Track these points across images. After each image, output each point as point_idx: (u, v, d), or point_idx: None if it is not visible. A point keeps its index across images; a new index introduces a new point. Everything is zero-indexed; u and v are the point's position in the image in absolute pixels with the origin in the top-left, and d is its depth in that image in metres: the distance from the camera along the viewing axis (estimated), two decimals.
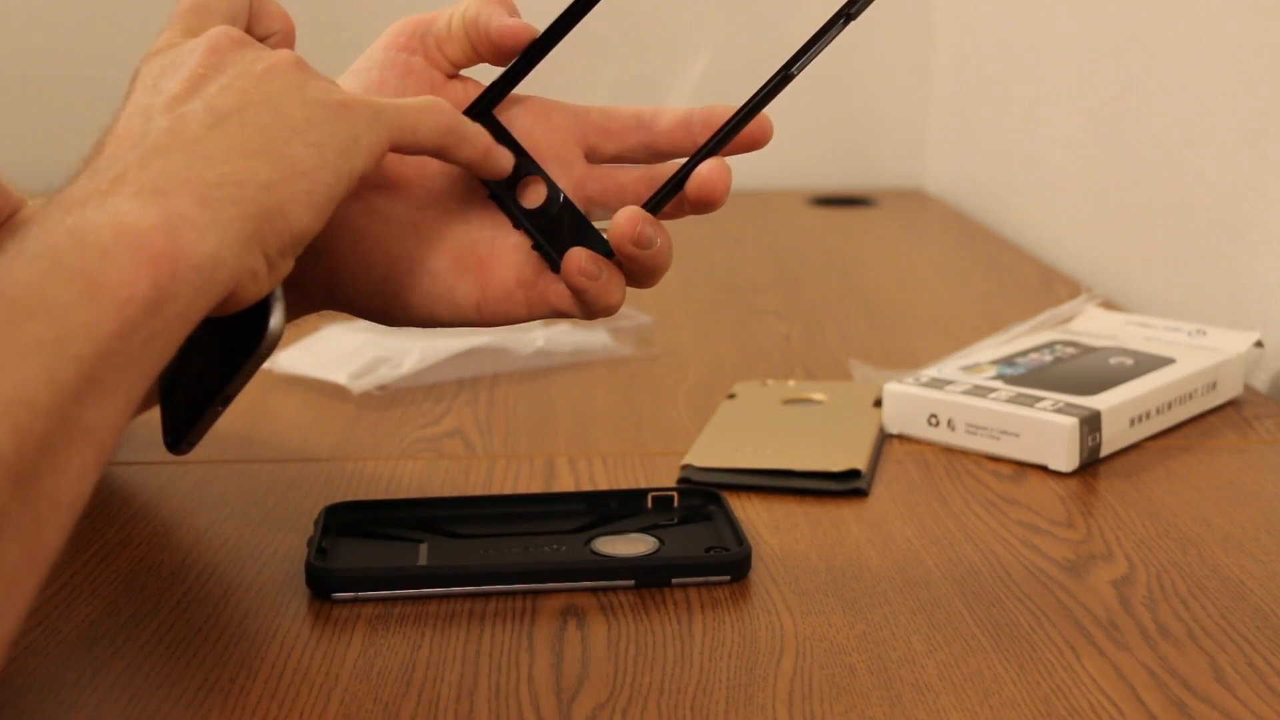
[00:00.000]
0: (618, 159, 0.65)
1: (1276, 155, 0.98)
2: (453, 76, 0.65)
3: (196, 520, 0.74)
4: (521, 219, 0.63)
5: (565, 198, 0.63)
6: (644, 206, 0.62)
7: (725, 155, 0.62)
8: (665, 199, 0.63)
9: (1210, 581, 0.65)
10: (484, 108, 0.64)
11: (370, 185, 0.62)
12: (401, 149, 0.58)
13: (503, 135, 0.63)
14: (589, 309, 0.63)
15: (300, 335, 1.01)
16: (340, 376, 0.94)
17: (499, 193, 0.63)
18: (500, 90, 0.64)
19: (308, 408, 0.91)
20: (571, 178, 0.64)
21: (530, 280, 0.63)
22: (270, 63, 0.56)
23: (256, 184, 0.52)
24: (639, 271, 0.63)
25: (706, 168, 0.62)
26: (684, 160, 0.63)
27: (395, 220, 0.63)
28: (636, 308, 1.10)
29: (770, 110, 0.63)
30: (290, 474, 0.80)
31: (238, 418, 0.90)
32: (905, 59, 1.83)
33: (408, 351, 0.97)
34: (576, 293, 0.62)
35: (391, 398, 0.93)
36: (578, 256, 0.61)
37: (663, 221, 0.63)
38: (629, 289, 0.64)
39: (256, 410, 0.90)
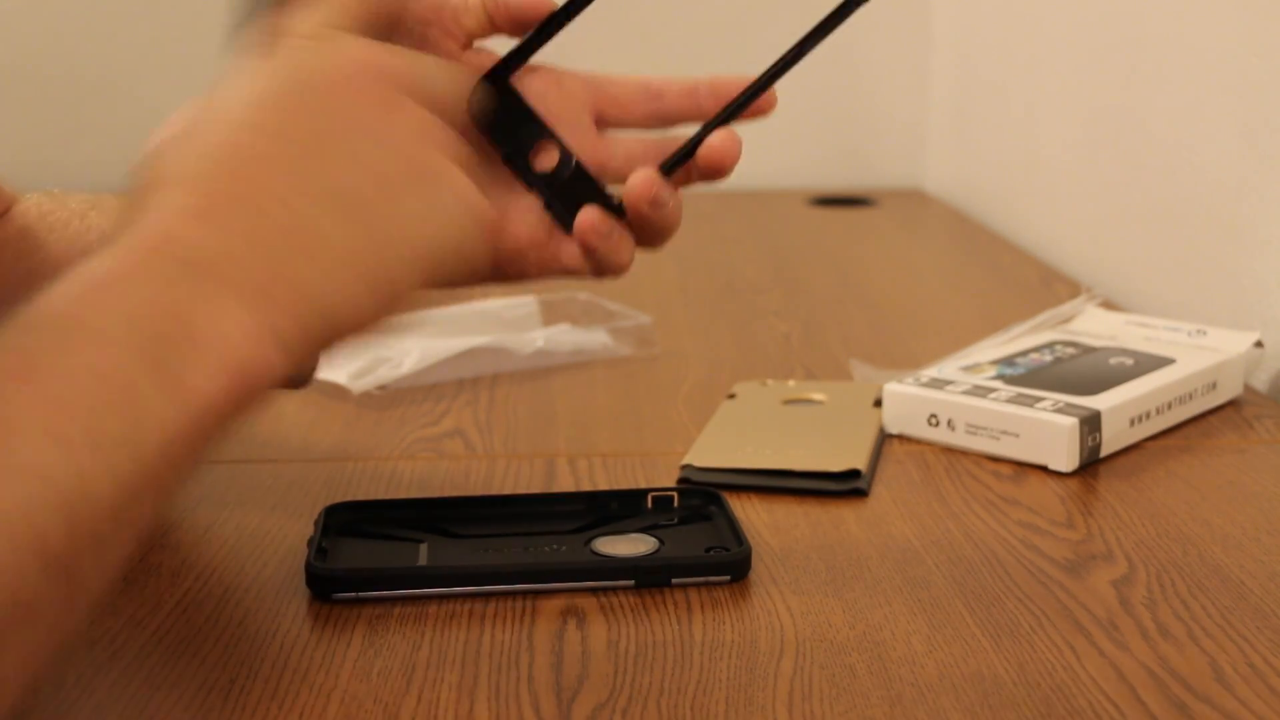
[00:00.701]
0: (626, 125, 0.66)
1: (1276, 155, 0.98)
2: (467, 47, 0.66)
3: (196, 520, 0.74)
4: (535, 181, 0.64)
5: (577, 161, 0.64)
6: (658, 169, 0.63)
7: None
8: (678, 164, 0.63)
9: (1210, 581, 0.65)
10: (501, 76, 0.65)
11: None
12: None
13: (517, 101, 0.64)
14: (599, 268, 0.64)
15: None
16: (340, 376, 0.94)
17: (513, 156, 0.64)
18: (517, 60, 0.65)
19: (308, 408, 0.91)
20: (583, 144, 0.65)
21: (542, 240, 0.64)
22: None
23: (352, 307, 0.51)
24: (650, 231, 0.63)
25: (718, 138, 0.63)
26: (693, 129, 0.64)
27: None
28: (636, 308, 1.10)
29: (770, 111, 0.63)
30: (290, 474, 0.80)
31: None
32: (905, 59, 1.83)
33: (408, 351, 0.97)
34: (588, 251, 0.63)
35: (391, 398, 0.93)
36: (590, 214, 0.62)
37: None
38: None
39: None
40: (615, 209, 0.63)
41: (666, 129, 0.65)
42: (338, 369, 0.95)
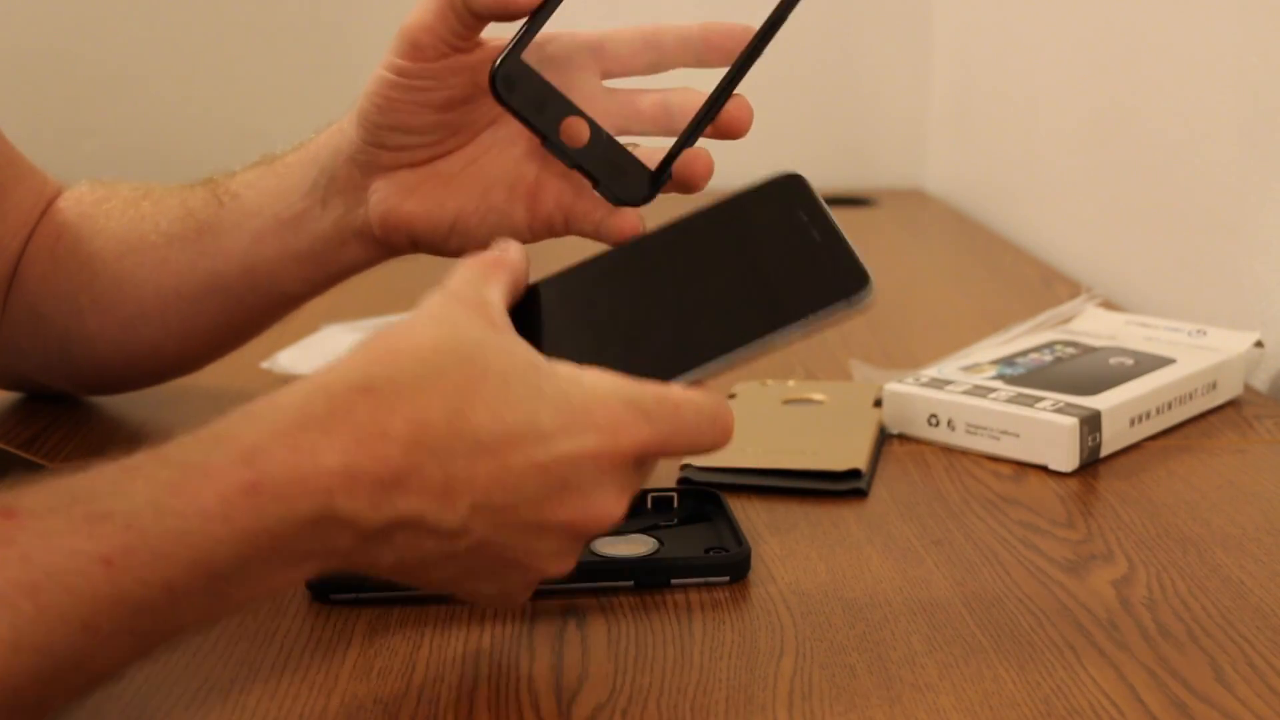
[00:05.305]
0: (628, 75, 0.71)
1: (1276, 155, 0.98)
2: (471, 45, 0.69)
3: None
4: (574, 162, 0.67)
5: (606, 134, 0.67)
6: (687, 143, 0.67)
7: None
8: (699, 131, 0.67)
9: (1210, 581, 0.65)
10: (514, 55, 0.66)
11: (429, 155, 0.72)
12: None
13: (537, 81, 0.66)
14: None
15: (300, 335, 1.01)
16: None
17: (547, 137, 0.67)
18: (524, 40, 0.66)
19: None
20: (599, 110, 0.68)
21: (569, 203, 0.70)
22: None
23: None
24: (687, 191, 0.68)
25: (734, 105, 0.67)
26: (703, 100, 0.67)
27: (456, 176, 0.72)
28: None
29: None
30: None
31: None
32: (905, 59, 1.83)
33: None
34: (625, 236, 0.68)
35: None
36: (629, 219, 0.67)
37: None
38: None
39: None
40: (645, 173, 0.67)
41: (663, 70, 0.70)
42: None
